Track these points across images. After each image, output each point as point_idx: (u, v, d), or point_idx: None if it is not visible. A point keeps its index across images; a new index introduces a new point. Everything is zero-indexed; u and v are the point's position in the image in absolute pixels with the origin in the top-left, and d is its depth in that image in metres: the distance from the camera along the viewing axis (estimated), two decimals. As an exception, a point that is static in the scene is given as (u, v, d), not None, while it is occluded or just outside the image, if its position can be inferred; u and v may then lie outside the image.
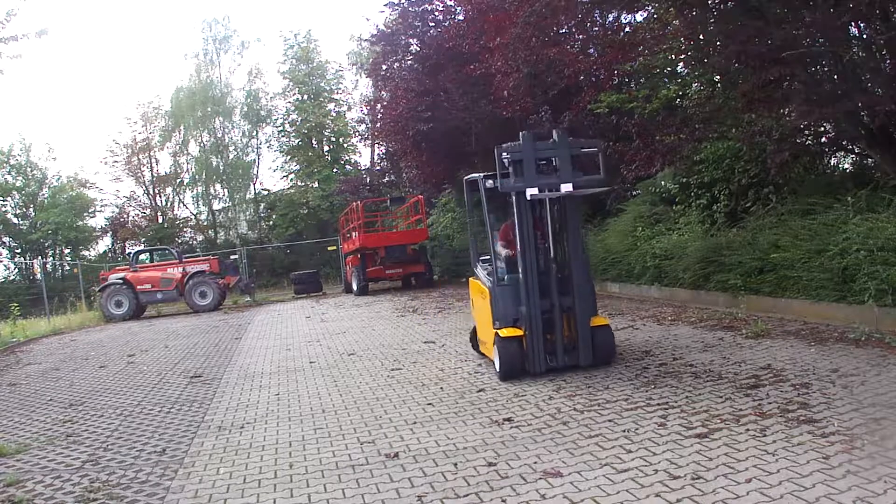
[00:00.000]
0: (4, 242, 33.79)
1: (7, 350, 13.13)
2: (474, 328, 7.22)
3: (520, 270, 5.74)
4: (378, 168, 30.75)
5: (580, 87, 12.50)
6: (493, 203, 6.29)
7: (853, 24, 7.26)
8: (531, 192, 5.54)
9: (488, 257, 6.73)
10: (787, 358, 5.65)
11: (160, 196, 36.13)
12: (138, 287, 18.56)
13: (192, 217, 36.34)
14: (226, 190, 36.53)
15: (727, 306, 8.37)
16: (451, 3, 17.81)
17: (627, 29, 11.51)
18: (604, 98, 11.88)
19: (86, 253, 33.92)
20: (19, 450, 5.29)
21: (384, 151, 26.67)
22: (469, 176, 6.85)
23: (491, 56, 12.85)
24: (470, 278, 7.16)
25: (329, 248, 26.76)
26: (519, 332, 5.77)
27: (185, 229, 35.54)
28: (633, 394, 5.05)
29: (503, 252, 6.30)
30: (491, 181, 6.04)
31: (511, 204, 5.81)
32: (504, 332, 5.82)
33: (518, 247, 5.74)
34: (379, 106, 21.50)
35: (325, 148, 35.63)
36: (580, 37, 12.46)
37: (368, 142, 31.72)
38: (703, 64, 9.43)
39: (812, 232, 7.52)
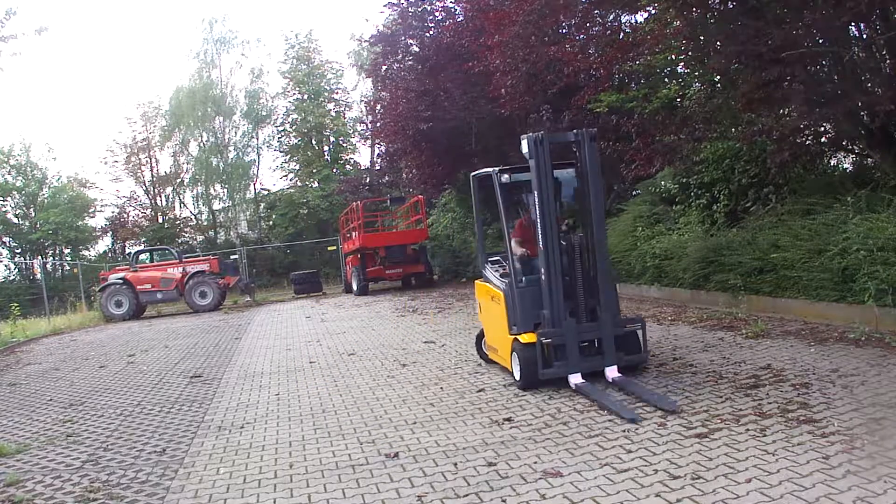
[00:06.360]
0: (4, 242, 33.76)
1: (7, 350, 13.13)
2: (480, 332, 6.78)
3: (542, 270, 5.38)
4: (378, 168, 30.72)
5: (579, 87, 12.48)
6: (506, 200, 5.97)
7: (853, 24, 7.25)
8: (574, 380, 5.24)
9: (497, 257, 6.41)
10: (787, 358, 5.65)
11: (160, 196, 36.12)
12: (138, 287, 18.57)
13: (192, 217, 36.32)
14: (226, 190, 36.51)
15: (727, 306, 8.37)
16: (451, 3, 17.81)
17: (627, 29, 11.50)
18: (603, 98, 11.86)
19: (86, 253, 33.89)
20: (19, 450, 5.29)
21: (384, 151, 26.69)
22: (479, 171, 6.41)
23: (490, 53, 12.84)
24: (477, 280, 6.72)
25: (329, 248, 26.76)
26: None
27: (185, 229, 35.50)
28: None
29: (519, 251, 5.91)
30: (507, 176, 5.76)
31: (528, 201, 5.59)
32: (524, 338, 5.46)
33: (541, 245, 5.34)
34: (379, 106, 21.48)
35: (325, 148, 35.64)
36: (580, 36, 12.44)
37: (368, 142, 31.72)
38: (703, 64, 9.42)
39: (812, 232, 7.51)
